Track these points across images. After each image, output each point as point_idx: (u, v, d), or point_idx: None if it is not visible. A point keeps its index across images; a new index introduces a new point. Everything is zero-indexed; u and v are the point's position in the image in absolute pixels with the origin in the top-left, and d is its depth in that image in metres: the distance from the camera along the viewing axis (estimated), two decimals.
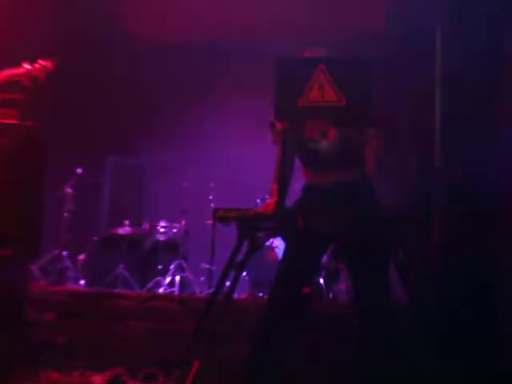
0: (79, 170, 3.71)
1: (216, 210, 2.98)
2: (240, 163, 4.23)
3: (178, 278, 3.70)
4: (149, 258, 3.83)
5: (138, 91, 4.41)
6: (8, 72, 2.58)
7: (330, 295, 3.48)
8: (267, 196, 2.79)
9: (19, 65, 2.70)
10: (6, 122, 2.85)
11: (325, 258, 3.29)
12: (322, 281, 3.50)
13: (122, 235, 3.82)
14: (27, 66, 2.67)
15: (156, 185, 4.37)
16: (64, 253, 3.70)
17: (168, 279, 3.70)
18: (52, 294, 3.53)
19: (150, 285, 3.70)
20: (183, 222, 3.88)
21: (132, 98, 4.38)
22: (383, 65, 3.18)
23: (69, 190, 3.68)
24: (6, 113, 2.85)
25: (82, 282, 3.79)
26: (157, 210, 4.23)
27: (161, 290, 3.65)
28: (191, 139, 4.51)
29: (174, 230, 3.87)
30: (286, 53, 2.96)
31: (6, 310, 2.84)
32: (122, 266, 3.73)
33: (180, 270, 3.74)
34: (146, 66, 4.45)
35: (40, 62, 2.70)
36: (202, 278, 3.80)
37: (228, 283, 2.69)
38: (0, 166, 2.84)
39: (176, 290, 3.66)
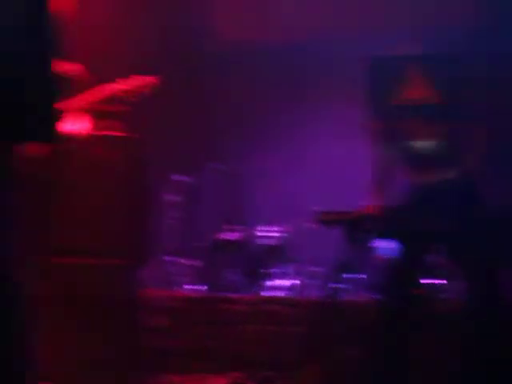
0: (181, 177, 3.81)
1: (319, 212, 2.96)
2: (336, 164, 4.18)
3: (286, 281, 3.69)
4: (256, 262, 3.87)
5: (228, 97, 4.48)
6: (114, 86, 2.66)
7: (444, 295, 3.36)
8: (367, 197, 2.74)
9: (124, 79, 2.77)
10: (115, 134, 2.97)
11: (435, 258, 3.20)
12: (435, 281, 3.39)
13: (228, 240, 3.88)
14: (132, 81, 2.74)
15: (256, 189, 4.41)
16: (172, 259, 3.81)
17: (276, 282, 3.70)
18: (163, 300, 3.64)
19: (258, 289, 3.72)
20: (286, 226, 3.88)
21: (227, 104, 4.45)
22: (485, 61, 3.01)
23: (172, 197, 3.79)
24: (113, 126, 2.96)
25: (192, 287, 3.87)
26: (258, 213, 4.25)
27: (270, 294, 3.65)
28: (286, 142, 4.52)
29: (278, 234, 3.88)
30: (377, 51, 2.89)
31: (122, 318, 2.94)
32: (230, 270, 3.79)
33: (287, 273, 3.73)
34: (245, 71, 4.51)
35: (145, 77, 2.76)
36: (310, 281, 3.77)
37: (338, 285, 2.71)
38: (109, 177, 2.96)
39: (286, 293, 3.66)
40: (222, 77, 4.55)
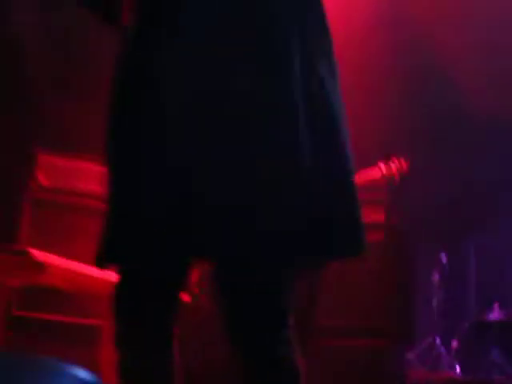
0: (443, 256, 3.81)
1: None
2: None
3: None
4: None
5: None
6: (366, 174, 2.76)
7: None
8: None
9: (375, 164, 2.89)
10: (376, 221, 3.15)
11: None
12: None
13: (492, 320, 3.69)
14: (383, 167, 2.82)
15: None
16: (437, 339, 3.76)
17: None
18: (430, 382, 3.60)
19: None
20: None
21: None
22: None
23: (436, 277, 3.81)
24: (374, 212, 3.13)
25: (457, 368, 3.75)
26: None
27: None
28: None
29: None
30: None
31: None
32: (496, 351, 3.58)
33: None
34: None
35: (395, 161, 2.83)
36: None
37: None
38: (375, 261, 3.13)
39: None
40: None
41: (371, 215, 3.02)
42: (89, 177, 3.78)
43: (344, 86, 1.35)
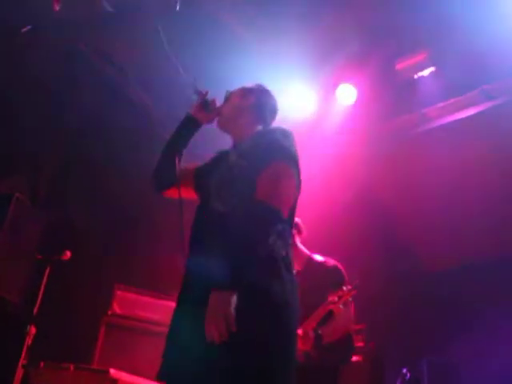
0: (404, 371, 5.07)
1: None
2: None
3: None
4: None
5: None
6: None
7: None
8: None
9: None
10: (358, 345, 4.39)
11: None
12: None
13: None
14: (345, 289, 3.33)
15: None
16: None
17: None
18: None
19: None
20: None
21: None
22: None
23: None
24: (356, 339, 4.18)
25: None
26: None
27: None
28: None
29: None
30: None
31: None
32: None
33: None
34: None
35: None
36: None
37: None
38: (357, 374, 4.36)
39: None
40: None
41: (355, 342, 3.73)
42: (150, 308, 5.03)
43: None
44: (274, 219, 1.93)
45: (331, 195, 5.22)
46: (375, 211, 5.52)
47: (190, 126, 2.45)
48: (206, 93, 2.44)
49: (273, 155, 2.08)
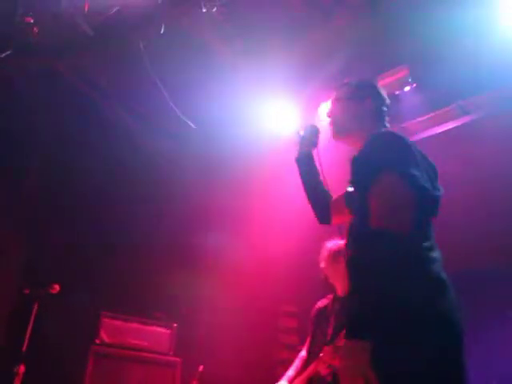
0: None
1: None
2: None
3: None
4: None
5: None
6: None
7: None
8: None
9: None
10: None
11: None
12: None
13: None
14: None
15: None
16: None
17: None
18: None
19: None
20: None
21: None
22: None
23: None
24: None
25: None
26: None
27: None
28: None
29: None
30: None
31: None
32: None
33: None
34: None
35: None
36: None
37: None
38: None
39: None
40: None
41: None
42: (138, 334, 4.93)
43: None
44: (395, 247, 1.65)
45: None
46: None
47: (303, 163, 2.43)
48: (298, 130, 2.46)
49: (379, 166, 1.82)
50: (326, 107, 5.09)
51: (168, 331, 4.93)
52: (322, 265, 3.45)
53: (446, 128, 4.82)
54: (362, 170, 1.90)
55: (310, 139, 2.44)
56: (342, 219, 2.25)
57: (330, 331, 3.30)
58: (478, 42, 4.37)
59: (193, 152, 4.99)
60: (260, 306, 5.09)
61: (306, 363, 3.45)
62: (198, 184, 5.21)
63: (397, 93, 4.80)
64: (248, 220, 5.24)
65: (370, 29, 4.37)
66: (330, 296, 3.52)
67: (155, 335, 4.98)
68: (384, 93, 2.26)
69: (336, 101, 2.24)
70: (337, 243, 3.42)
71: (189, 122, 4.49)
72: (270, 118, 5.14)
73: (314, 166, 2.40)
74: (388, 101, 2.25)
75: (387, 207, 1.73)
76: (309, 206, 2.48)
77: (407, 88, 4.77)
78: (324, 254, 3.48)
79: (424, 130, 4.97)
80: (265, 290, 5.07)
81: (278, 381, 3.50)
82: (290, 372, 3.54)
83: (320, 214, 2.39)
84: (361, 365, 1.54)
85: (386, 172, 1.80)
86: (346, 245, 1.99)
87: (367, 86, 2.24)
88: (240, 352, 4.96)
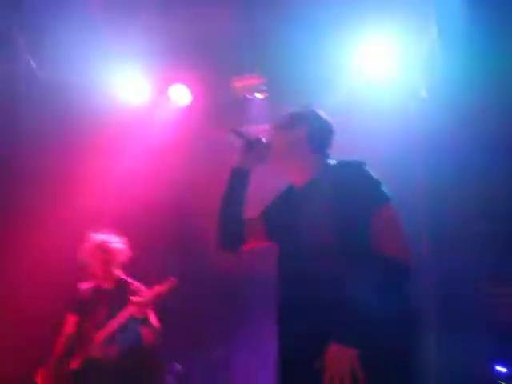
0: (177, 365, 5.33)
1: None
2: None
3: None
4: None
5: None
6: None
7: None
8: None
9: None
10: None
11: None
12: None
13: None
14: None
15: None
16: None
17: None
18: None
19: None
20: None
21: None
22: None
23: (169, 378, 5.31)
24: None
25: None
26: None
27: None
28: None
29: None
30: None
31: None
32: None
33: None
34: None
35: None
36: None
37: None
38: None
39: None
40: None
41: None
42: None
43: None
44: (407, 274, 1.86)
45: (143, 190, 5.20)
46: (181, 215, 5.64)
47: (239, 177, 2.23)
48: (248, 133, 2.23)
49: (378, 197, 1.95)
50: (176, 89, 5.11)
51: None
52: (86, 254, 3.72)
53: None
54: (360, 202, 1.93)
55: (259, 156, 2.21)
56: (254, 246, 2.28)
57: (100, 317, 3.59)
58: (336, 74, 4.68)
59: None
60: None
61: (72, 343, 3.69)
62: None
63: (249, 97, 4.99)
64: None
65: (235, 28, 4.45)
66: (92, 283, 3.80)
67: None
68: (325, 119, 2.21)
69: (274, 129, 2.22)
70: (103, 236, 3.75)
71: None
72: (119, 84, 5.00)
73: (247, 186, 2.24)
74: (331, 127, 2.21)
75: (397, 238, 1.89)
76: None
77: (259, 95, 4.98)
78: (90, 245, 3.74)
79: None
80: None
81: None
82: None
83: (228, 239, 2.27)
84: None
85: (386, 204, 1.95)
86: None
87: (306, 112, 2.21)
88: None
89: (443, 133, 4.35)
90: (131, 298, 3.53)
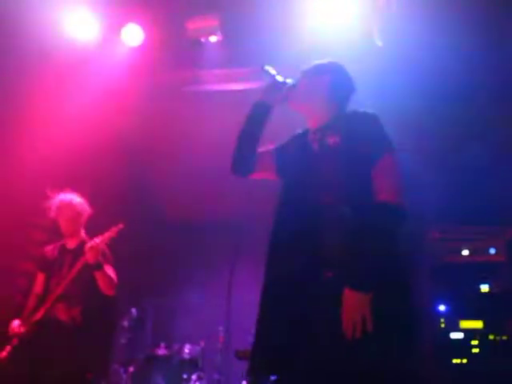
0: (133, 310, 5.39)
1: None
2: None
3: None
4: (178, 370, 5.32)
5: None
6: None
7: None
8: None
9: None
10: None
11: None
12: None
13: (159, 354, 5.41)
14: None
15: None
16: (121, 367, 5.27)
17: None
18: None
19: None
20: (202, 344, 5.44)
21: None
22: None
23: (125, 323, 5.35)
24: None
25: None
26: (184, 335, 5.69)
27: None
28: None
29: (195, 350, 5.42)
30: None
31: None
32: (159, 377, 5.26)
33: (199, 379, 5.24)
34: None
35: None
36: None
37: None
38: None
39: None
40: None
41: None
42: None
43: None
44: (402, 219, 1.97)
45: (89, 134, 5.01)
46: (128, 161, 5.55)
47: (261, 111, 2.34)
48: (277, 73, 2.35)
49: (383, 147, 2.07)
50: (127, 28, 4.83)
51: None
52: (55, 213, 3.85)
53: (237, 88, 4.99)
54: (364, 148, 2.05)
55: (283, 95, 2.36)
56: (261, 177, 2.43)
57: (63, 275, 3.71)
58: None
59: None
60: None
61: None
62: None
63: (202, 40, 4.79)
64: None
65: None
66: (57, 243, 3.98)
67: None
68: (348, 74, 2.37)
69: (300, 73, 2.37)
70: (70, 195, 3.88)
71: None
72: (65, 19, 4.68)
73: (265, 121, 2.36)
74: (352, 83, 2.37)
75: (395, 184, 2.02)
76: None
77: (214, 38, 4.78)
78: (58, 203, 3.85)
79: (218, 83, 5.08)
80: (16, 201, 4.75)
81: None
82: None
83: (239, 165, 2.40)
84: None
85: (389, 153, 2.07)
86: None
87: (330, 64, 2.37)
88: None
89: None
90: (85, 246, 3.64)
